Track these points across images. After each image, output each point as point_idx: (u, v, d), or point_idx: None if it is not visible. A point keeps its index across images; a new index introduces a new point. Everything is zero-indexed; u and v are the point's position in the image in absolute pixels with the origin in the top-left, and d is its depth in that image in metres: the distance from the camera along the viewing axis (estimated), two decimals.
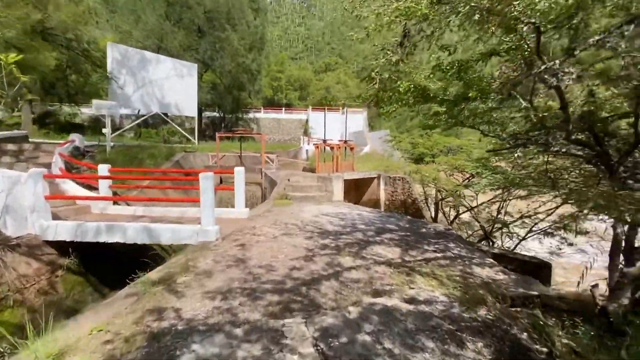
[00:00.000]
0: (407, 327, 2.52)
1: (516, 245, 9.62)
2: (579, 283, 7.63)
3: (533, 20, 3.01)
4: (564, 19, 3.15)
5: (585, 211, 6.74)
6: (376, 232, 5.85)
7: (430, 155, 11.28)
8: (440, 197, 10.28)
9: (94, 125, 21.68)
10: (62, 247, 5.37)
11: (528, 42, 3.69)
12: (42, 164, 8.37)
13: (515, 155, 6.73)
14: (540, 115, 3.76)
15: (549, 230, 8.85)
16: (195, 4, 21.70)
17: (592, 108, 3.77)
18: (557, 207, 7.77)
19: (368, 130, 34.04)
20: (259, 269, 3.90)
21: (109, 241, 5.32)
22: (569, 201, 6.28)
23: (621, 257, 3.36)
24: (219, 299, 3.13)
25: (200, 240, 5.01)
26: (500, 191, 8.91)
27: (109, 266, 5.82)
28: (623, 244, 3.31)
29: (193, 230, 5.09)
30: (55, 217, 5.65)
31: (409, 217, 7.89)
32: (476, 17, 3.03)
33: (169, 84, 14.69)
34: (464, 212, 11.36)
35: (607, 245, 5.57)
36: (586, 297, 5.10)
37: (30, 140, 11.15)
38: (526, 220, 9.43)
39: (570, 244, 6.17)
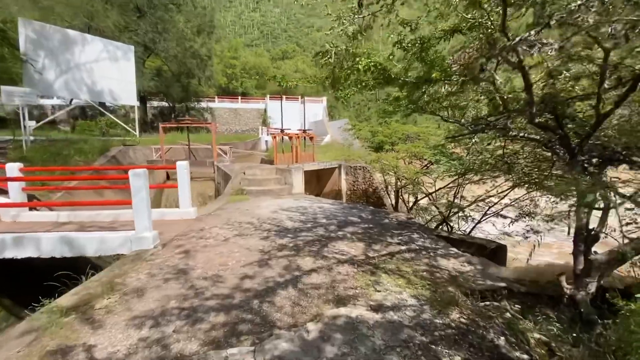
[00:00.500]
0: (375, 344, 2.15)
1: (472, 228, 9.96)
2: (527, 260, 8.07)
3: None
4: None
5: (538, 194, 7.02)
6: (338, 226, 5.50)
7: (389, 143, 11.20)
8: (400, 185, 10.26)
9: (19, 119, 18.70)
10: None
11: (492, 19, 3.46)
12: None
13: (473, 141, 6.76)
14: (505, 97, 3.57)
15: (502, 213, 9.27)
16: None
17: (552, 90, 3.67)
18: (510, 189, 8.08)
19: (328, 120, 33.78)
20: (204, 280, 3.32)
21: (19, 257, 4.36)
22: (524, 185, 6.46)
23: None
24: (148, 326, 2.53)
25: (134, 249, 4.26)
26: (457, 177, 9.09)
27: (31, 281, 4.80)
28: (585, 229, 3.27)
29: (125, 238, 4.31)
30: None
31: (371, 207, 7.68)
32: None
33: (101, 69, 12.72)
34: (422, 198, 11.55)
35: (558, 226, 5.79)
36: (543, 279, 5.20)
37: None
38: (480, 204, 9.78)
39: (537, 232, 6.47)
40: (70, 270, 4.36)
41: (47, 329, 2.54)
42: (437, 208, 10.25)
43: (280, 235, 4.86)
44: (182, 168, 5.70)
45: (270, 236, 4.83)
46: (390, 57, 3.90)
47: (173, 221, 5.62)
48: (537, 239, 8.51)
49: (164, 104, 29.29)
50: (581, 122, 3.63)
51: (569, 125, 3.73)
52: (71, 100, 15.02)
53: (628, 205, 3.22)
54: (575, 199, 3.94)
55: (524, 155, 5.82)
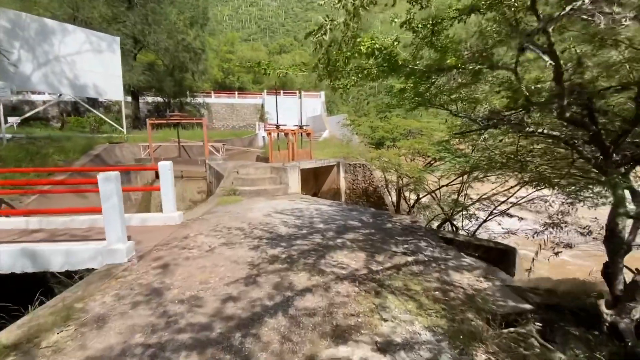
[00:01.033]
0: None
1: (478, 227, 9.52)
2: (533, 260, 7.65)
3: None
4: None
5: (552, 194, 6.53)
6: (337, 232, 5.01)
7: (390, 139, 10.69)
8: (402, 184, 9.77)
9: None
10: None
11: None
12: None
13: (482, 137, 6.25)
14: (532, 87, 3.06)
15: (509, 212, 8.84)
16: None
17: (581, 81, 3.15)
18: (520, 187, 7.62)
19: (326, 115, 33.16)
20: (179, 305, 2.83)
21: None
22: (538, 184, 5.97)
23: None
24: None
25: (106, 263, 3.76)
26: (462, 175, 8.63)
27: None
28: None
29: (96, 250, 3.81)
30: None
31: (372, 209, 7.20)
32: None
33: (84, 61, 11.95)
34: (424, 196, 11.09)
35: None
36: (560, 287, 4.72)
37: None
38: (484, 202, 9.34)
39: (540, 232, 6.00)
40: (43, 285, 3.88)
41: None
42: (441, 207, 9.79)
43: (273, 244, 4.37)
44: (166, 169, 5.18)
45: (261, 245, 4.34)
46: (395, 42, 3.36)
47: (155, 228, 5.11)
48: (544, 238, 8.10)
49: (160, 99, 28.54)
50: (615, 116, 3.13)
51: (601, 120, 3.23)
52: (59, 95, 14.31)
53: None
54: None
55: (539, 153, 5.34)
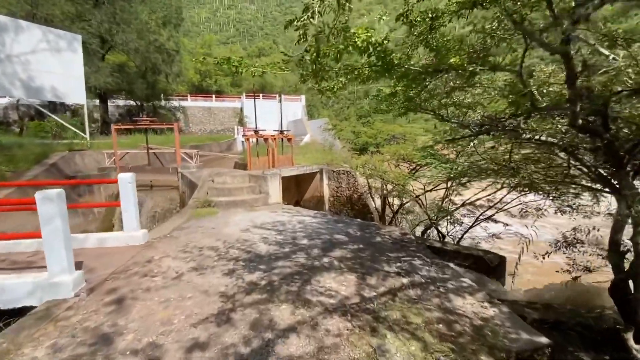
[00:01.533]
0: None
1: (464, 233, 9.39)
2: (516, 264, 7.56)
3: None
4: None
5: (547, 202, 6.39)
6: (323, 248, 4.55)
7: (374, 144, 10.40)
8: (387, 191, 9.47)
9: None
10: None
11: None
12: None
13: (472, 143, 6.03)
14: (536, 91, 2.75)
15: (495, 219, 8.77)
16: None
17: (590, 84, 2.88)
18: (507, 193, 7.52)
19: (307, 119, 32.75)
20: (132, 358, 2.27)
21: None
22: (529, 190, 5.79)
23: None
24: None
25: (46, 299, 3.11)
26: (447, 180, 8.47)
27: None
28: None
29: (35, 284, 3.15)
30: None
31: (359, 220, 6.80)
32: None
33: (40, 61, 10.85)
34: (408, 202, 10.88)
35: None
36: (557, 300, 4.46)
37: None
38: (469, 207, 9.26)
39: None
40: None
41: None
42: (427, 214, 9.59)
43: (251, 268, 3.85)
44: (126, 182, 4.53)
45: (237, 269, 3.81)
46: (386, 41, 2.98)
47: (115, 250, 4.46)
48: (526, 240, 8.05)
49: (132, 102, 27.05)
50: (628, 123, 2.89)
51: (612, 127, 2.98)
52: (18, 100, 13.04)
53: None
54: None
55: (532, 160, 5.15)
